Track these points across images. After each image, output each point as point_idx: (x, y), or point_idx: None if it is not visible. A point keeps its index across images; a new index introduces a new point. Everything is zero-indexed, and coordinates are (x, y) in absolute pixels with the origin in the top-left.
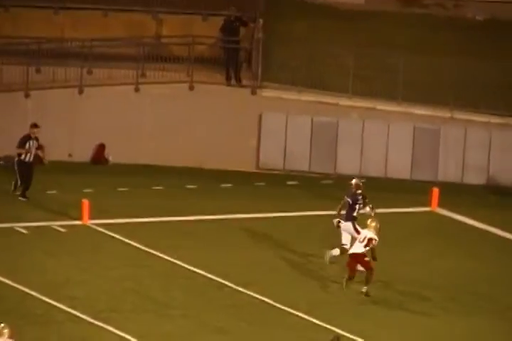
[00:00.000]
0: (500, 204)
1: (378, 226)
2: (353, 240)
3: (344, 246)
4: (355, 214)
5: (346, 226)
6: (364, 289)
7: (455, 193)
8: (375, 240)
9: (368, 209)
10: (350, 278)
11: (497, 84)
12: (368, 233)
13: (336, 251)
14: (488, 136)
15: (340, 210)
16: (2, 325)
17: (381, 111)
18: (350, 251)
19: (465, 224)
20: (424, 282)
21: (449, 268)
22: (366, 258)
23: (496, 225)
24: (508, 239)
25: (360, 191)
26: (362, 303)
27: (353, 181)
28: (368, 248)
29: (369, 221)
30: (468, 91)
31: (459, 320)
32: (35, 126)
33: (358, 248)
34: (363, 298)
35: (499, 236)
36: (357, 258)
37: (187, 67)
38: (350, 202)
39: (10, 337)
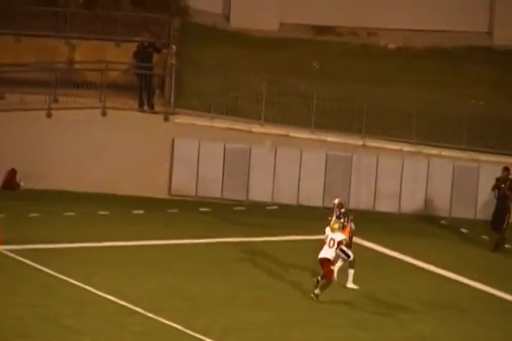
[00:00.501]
0: (412, 232)
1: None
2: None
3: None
4: None
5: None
6: (316, 291)
7: (367, 221)
8: (345, 240)
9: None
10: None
11: (408, 113)
12: (335, 236)
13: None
14: (400, 164)
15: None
16: None
17: (294, 138)
18: (320, 256)
19: (377, 251)
20: (331, 308)
21: (360, 292)
22: (332, 267)
23: (407, 253)
24: (419, 267)
25: (343, 210)
26: (271, 329)
27: (336, 201)
28: (337, 250)
29: (332, 223)
30: (380, 120)
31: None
32: None
33: (327, 253)
34: (272, 325)
35: (411, 264)
36: (323, 262)
37: (100, 93)
38: None
39: None
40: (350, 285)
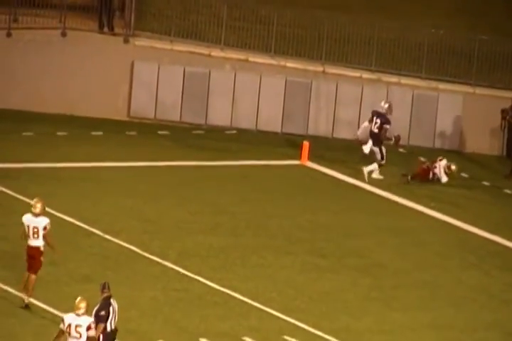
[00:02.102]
0: (370, 160)
1: None
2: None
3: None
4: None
5: None
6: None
7: (325, 147)
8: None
9: None
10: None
11: (368, 40)
12: None
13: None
14: (360, 91)
15: None
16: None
17: (253, 63)
18: None
19: (334, 178)
20: (290, 235)
21: (317, 221)
22: None
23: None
24: (374, 193)
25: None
26: (229, 255)
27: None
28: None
29: None
30: (340, 46)
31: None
32: None
33: None
34: (229, 251)
35: (367, 191)
36: None
37: (60, 14)
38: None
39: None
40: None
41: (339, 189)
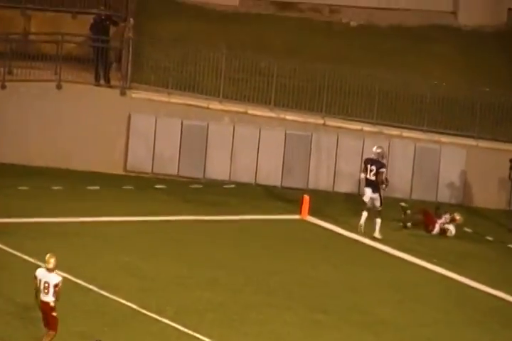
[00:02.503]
0: (372, 214)
1: None
2: None
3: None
4: None
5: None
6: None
7: (326, 201)
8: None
9: None
10: None
11: (369, 92)
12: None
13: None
14: (361, 144)
15: None
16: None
17: (252, 116)
18: None
19: (335, 232)
20: (291, 291)
21: (318, 277)
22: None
23: (365, 235)
24: (375, 248)
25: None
26: (228, 311)
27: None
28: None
29: None
30: (341, 99)
31: (326, 332)
32: None
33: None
34: (227, 307)
35: (367, 245)
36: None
37: (55, 66)
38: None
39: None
40: (376, 234)
41: (339, 243)
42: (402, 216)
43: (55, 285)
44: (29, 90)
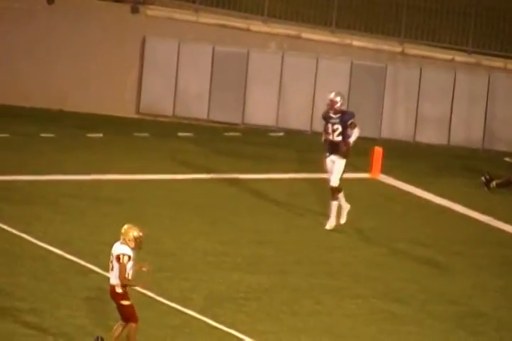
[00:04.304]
0: (465, 173)
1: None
2: None
3: None
4: None
5: None
6: None
7: (404, 155)
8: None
9: None
10: None
11: (464, 9)
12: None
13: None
14: (452, 79)
15: None
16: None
17: (308, 41)
18: None
19: (415, 196)
20: (356, 273)
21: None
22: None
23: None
24: (468, 216)
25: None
26: (273, 300)
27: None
28: None
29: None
30: (425, 19)
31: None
32: None
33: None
34: (273, 294)
35: (457, 213)
36: None
37: None
38: None
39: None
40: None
41: (422, 211)
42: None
43: (117, 257)
44: (12, 6)
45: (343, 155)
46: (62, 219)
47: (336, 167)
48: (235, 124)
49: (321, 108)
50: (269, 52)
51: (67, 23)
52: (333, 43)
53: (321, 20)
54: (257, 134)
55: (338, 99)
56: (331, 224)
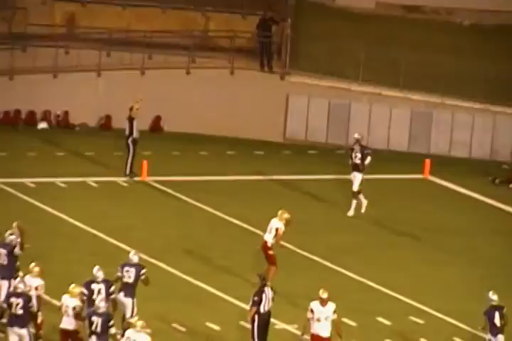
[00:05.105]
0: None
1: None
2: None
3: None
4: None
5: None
6: None
7: (444, 164)
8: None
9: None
10: None
11: (481, 78)
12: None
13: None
14: (471, 119)
15: None
16: (33, 263)
17: (385, 97)
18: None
19: (454, 190)
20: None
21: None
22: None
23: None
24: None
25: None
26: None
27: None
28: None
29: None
30: (455, 82)
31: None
32: None
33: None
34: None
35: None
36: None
37: (229, 56)
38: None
39: (39, 275)
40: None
41: (461, 202)
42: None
43: (276, 229)
44: (208, 75)
45: (360, 172)
46: (241, 203)
47: (355, 179)
48: (342, 145)
49: (393, 136)
50: (362, 103)
51: (242, 85)
52: (400, 97)
53: (393, 83)
54: None
55: (360, 137)
56: (350, 213)
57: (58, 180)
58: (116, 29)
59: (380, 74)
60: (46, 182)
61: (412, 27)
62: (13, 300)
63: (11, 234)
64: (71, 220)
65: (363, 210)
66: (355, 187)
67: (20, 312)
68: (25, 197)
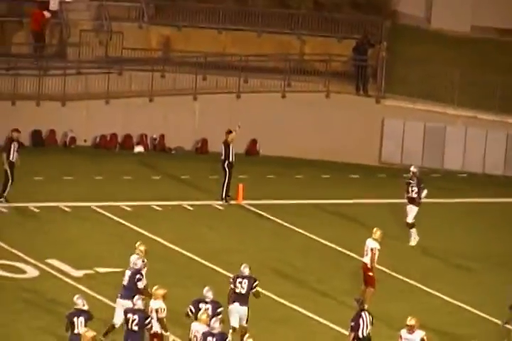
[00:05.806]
0: None
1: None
2: None
3: None
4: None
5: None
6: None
7: None
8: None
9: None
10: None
11: None
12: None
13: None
14: None
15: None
16: (156, 286)
17: (480, 120)
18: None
19: None
20: None
21: None
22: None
23: None
24: None
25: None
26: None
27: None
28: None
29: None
30: None
31: None
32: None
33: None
34: None
35: None
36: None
37: (324, 79)
38: None
39: (160, 298)
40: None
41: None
42: None
43: (371, 250)
44: (304, 99)
45: (417, 205)
46: (333, 226)
47: (411, 211)
48: (437, 169)
49: (489, 160)
50: (457, 127)
51: (337, 108)
52: (496, 121)
53: (488, 106)
54: (450, 175)
55: (416, 170)
56: (413, 243)
57: (154, 204)
58: (211, 53)
59: (475, 98)
60: (142, 206)
61: (507, 50)
62: (129, 316)
63: (138, 257)
64: (166, 243)
65: (413, 243)
66: (410, 219)
67: (135, 328)
68: (121, 220)
